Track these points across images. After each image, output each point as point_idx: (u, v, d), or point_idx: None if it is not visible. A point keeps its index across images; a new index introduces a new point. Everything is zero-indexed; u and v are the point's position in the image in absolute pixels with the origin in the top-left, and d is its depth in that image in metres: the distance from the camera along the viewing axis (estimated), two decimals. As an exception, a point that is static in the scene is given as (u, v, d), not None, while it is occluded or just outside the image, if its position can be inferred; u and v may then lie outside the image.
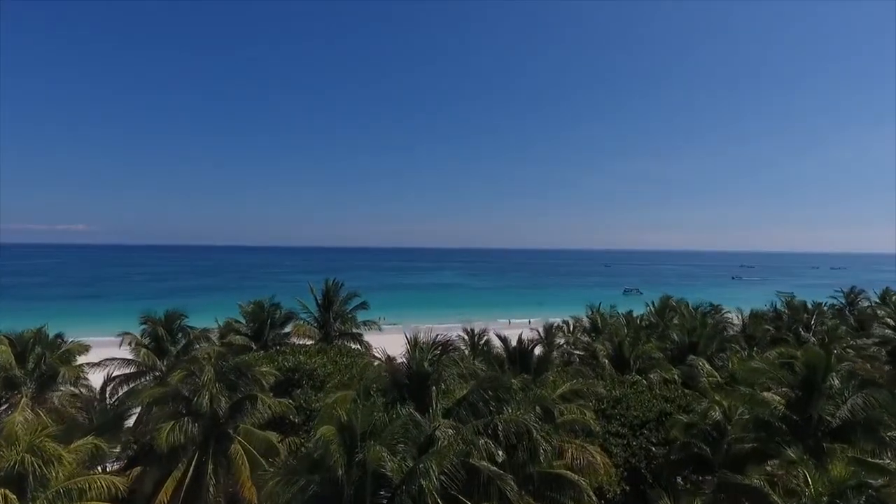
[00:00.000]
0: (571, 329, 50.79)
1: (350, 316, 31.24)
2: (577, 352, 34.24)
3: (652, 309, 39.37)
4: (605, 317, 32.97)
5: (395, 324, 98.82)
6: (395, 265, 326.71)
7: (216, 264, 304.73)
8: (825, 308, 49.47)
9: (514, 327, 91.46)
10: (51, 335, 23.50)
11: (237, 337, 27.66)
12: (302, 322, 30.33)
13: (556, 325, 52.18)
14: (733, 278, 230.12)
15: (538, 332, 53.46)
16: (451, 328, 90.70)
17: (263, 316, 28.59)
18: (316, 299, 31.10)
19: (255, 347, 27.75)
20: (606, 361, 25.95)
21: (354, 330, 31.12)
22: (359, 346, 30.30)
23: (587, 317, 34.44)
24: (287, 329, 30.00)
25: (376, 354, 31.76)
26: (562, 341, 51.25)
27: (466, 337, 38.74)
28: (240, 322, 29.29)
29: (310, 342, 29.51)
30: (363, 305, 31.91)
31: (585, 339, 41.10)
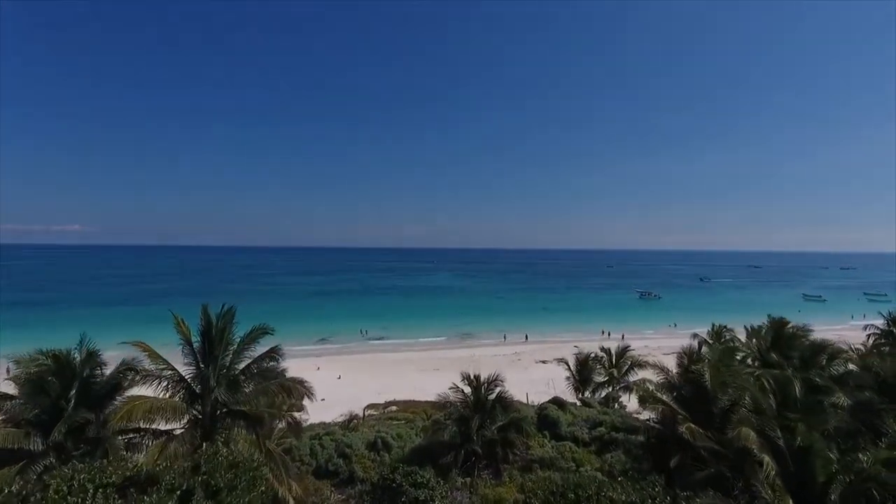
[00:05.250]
0: (615, 362, 36.41)
1: (249, 376, 16.65)
2: (657, 424, 20.11)
3: (759, 345, 24.82)
4: (718, 366, 17.99)
5: (381, 338, 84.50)
6: (392, 266, 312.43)
7: (203, 265, 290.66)
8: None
9: (510, 344, 77.37)
10: None
11: (-5, 432, 13.40)
12: (164, 385, 15.83)
13: (592, 355, 37.95)
14: (702, 280, 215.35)
15: (567, 365, 39.29)
16: (444, 343, 76.42)
17: (54, 386, 13.97)
18: (189, 343, 16.68)
19: (40, 448, 13.62)
20: (778, 482, 11.59)
21: (260, 403, 16.48)
22: (265, 441, 15.76)
23: (677, 369, 19.99)
24: (120, 401, 15.46)
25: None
26: (603, 378, 37.12)
27: (469, 389, 24.59)
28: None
29: (166, 431, 15.19)
30: (273, 354, 17.17)
31: (656, 378, 26.80)
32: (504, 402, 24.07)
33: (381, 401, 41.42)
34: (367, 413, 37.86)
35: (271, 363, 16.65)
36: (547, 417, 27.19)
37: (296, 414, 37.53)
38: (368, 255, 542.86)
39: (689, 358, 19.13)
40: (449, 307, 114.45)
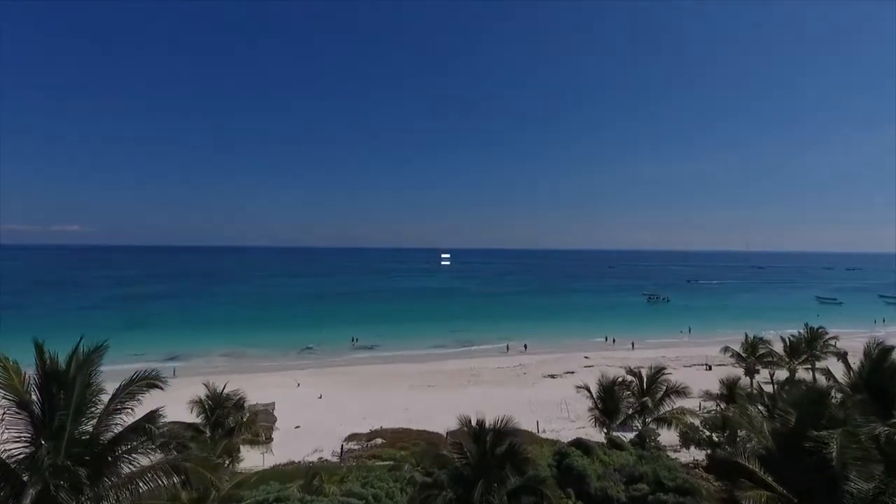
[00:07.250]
0: (647, 387, 30.14)
1: (118, 455, 10.57)
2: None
3: (852, 378, 18.62)
4: (857, 433, 11.50)
5: (372, 347, 77.79)
6: (390, 266, 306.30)
7: (200, 266, 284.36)
8: None
9: (513, 354, 70.23)
10: None
11: None
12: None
13: (619, 379, 31.52)
14: (688, 281, 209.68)
15: (589, 392, 32.93)
16: (440, 353, 69.44)
17: None
18: (22, 404, 10.51)
19: None
20: None
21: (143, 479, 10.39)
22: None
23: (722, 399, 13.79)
24: None
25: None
26: (634, 405, 30.81)
27: (470, 438, 18.55)
28: None
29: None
30: (153, 419, 10.98)
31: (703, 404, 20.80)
32: (517, 457, 18.05)
33: (366, 429, 35.14)
34: (346, 447, 31.62)
35: (152, 429, 10.44)
36: (571, 470, 20.96)
37: (260, 449, 31.28)
38: (368, 255, 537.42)
39: (804, 414, 12.82)
40: (447, 311, 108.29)
